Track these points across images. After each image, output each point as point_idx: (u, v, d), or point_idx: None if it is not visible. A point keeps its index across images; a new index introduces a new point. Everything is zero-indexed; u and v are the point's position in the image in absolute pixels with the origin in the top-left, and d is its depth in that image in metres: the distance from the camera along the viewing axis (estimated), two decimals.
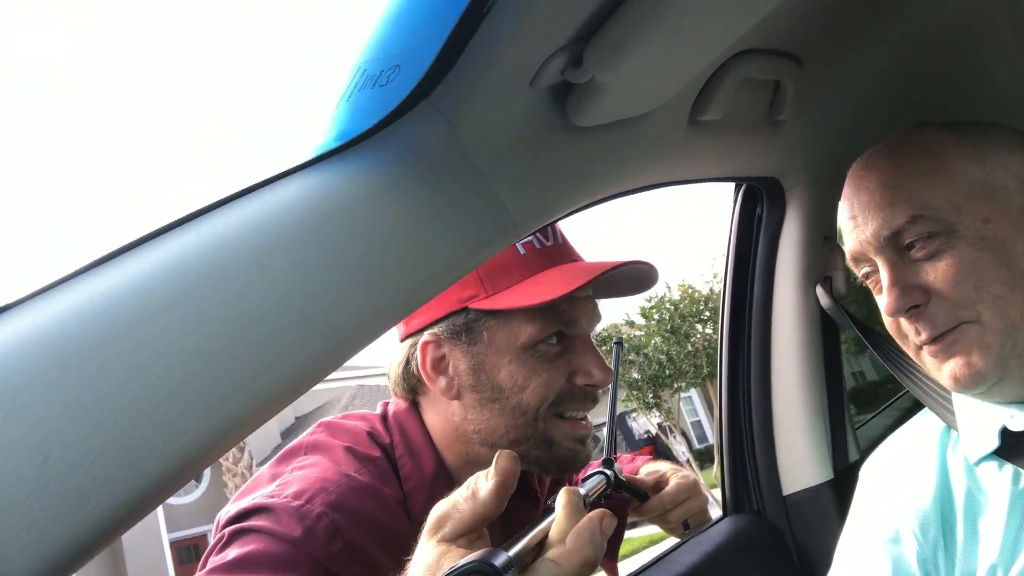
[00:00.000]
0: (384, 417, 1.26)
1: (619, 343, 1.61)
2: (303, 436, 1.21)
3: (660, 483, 1.48)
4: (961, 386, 0.96)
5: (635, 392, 13.99)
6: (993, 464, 1.00)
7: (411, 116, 0.76)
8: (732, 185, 1.65)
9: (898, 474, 1.11)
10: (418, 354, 1.20)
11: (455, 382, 1.19)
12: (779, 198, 1.57)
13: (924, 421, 1.16)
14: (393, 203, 0.74)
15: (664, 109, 1.03)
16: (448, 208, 0.78)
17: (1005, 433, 0.98)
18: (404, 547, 1.08)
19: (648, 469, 1.52)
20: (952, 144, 1.01)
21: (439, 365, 1.20)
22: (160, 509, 20.78)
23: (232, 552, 0.98)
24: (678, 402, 14.94)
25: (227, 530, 1.01)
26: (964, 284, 0.94)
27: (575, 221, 1.30)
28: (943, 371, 0.97)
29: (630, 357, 13.53)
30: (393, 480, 1.16)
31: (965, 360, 0.94)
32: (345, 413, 1.29)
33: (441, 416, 1.21)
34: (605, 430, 1.36)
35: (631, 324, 14.74)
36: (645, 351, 13.59)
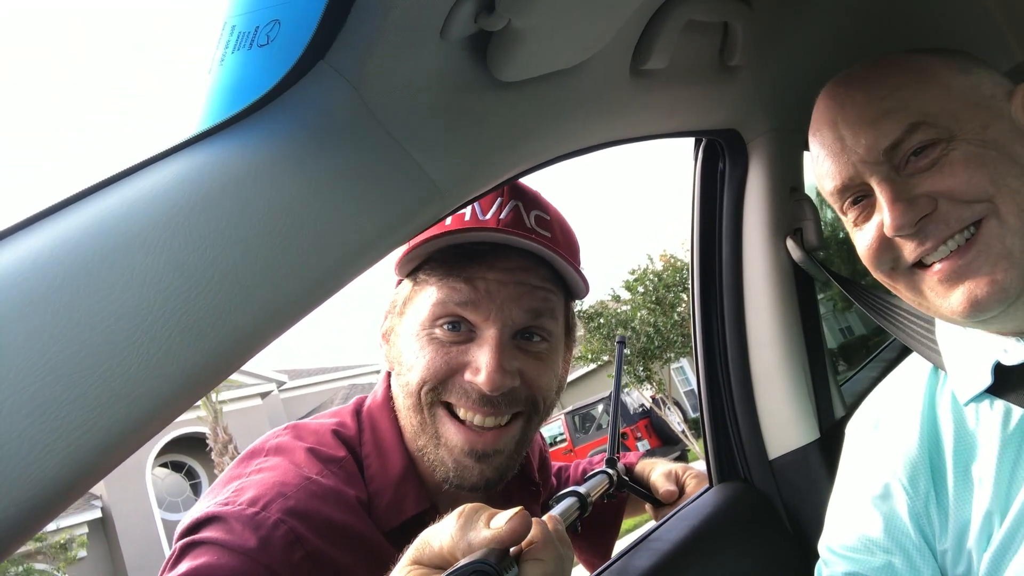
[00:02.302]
0: (357, 412, 1.19)
1: (622, 342, 1.54)
2: (268, 436, 1.14)
3: (666, 482, 1.44)
4: (978, 308, 0.86)
5: (625, 367, 13.99)
6: (984, 403, 0.95)
7: (307, 80, 0.68)
8: (693, 142, 1.58)
9: (884, 425, 1.06)
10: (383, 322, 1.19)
11: (390, 353, 1.16)
12: (740, 151, 1.50)
13: (910, 367, 1.11)
14: (295, 178, 0.65)
15: (601, 59, 0.95)
16: (360, 180, 0.70)
17: (998, 368, 0.92)
18: (373, 550, 1.01)
19: (661, 470, 1.47)
20: (934, 59, 0.95)
21: (388, 336, 1.17)
22: (160, 525, 20.70)
23: (183, 567, 0.90)
24: (669, 373, 14.96)
25: (179, 544, 0.94)
26: (979, 176, 0.86)
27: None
28: (955, 295, 0.87)
29: (618, 331, 13.51)
30: (359, 481, 1.09)
31: (988, 277, 0.85)
32: (316, 415, 1.23)
33: (396, 391, 1.17)
34: (601, 405, 1.29)
35: (617, 299, 14.71)
36: (632, 325, 13.58)
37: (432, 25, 0.71)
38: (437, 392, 1.06)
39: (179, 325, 0.55)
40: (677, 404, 15.31)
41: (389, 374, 1.20)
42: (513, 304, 1.07)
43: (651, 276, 13.89)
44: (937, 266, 0.89)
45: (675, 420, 14.62)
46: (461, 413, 1.07)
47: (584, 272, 1.15)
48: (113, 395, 0.51)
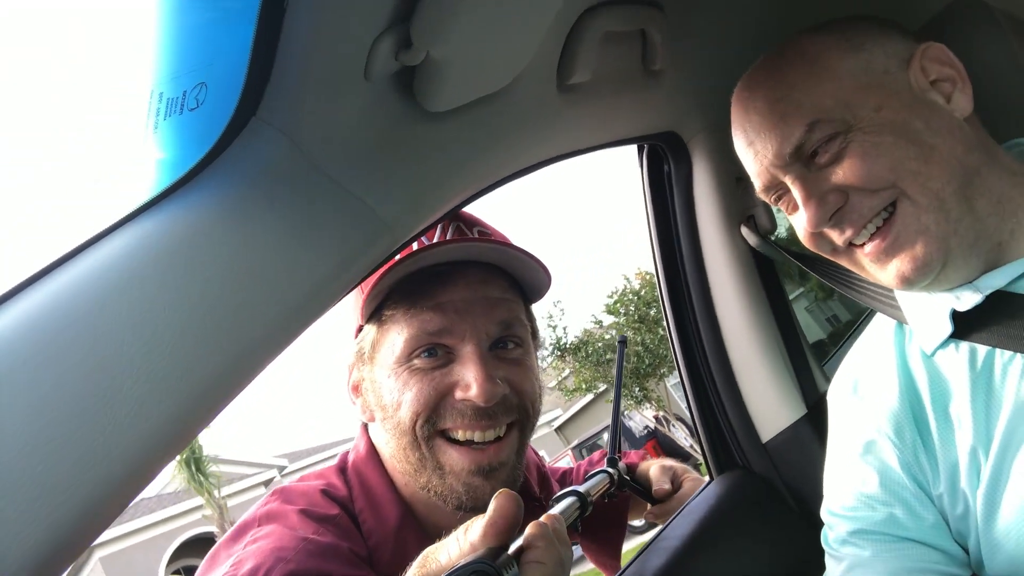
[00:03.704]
0: (343, 469, 1.18)
1: (623, 341, 1.56)
2: (256, 507, 1.13)
3: (662, 476, 1.44)
4: (909, 282, 0.93)
5: (622, 390, 13.85)
6: (950, 348, 0.98)
7: (243, 137, 0.71)
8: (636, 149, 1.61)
9: (862, 385, 1.09)
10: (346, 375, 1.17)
11: (367, 403, 1.14)
12: (682, 151, 1.54)
13: (876, 327, 1.14)
14: (244, 232, 0.68)
15: (527, 79, 0.99)
16: (308, 225, 0.72)
17: (955, 316, 0.96)
18: None
19: (659, 465, 1.48)
20: (826, 42, 1.00)
21: (359, 387, 1.16)
22: None
23: None
24: (666, 388, 14.94)
25: None
26: (877, 168, 0.91)
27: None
28: (888, 271, 0.94)
29: (607, 357, 13.49)
30: (356, 536, 1.08)
31: (910, 254, 0.92)
32: (302, 475, 1.22)
33: (378, 440, 1.16)
34: (607, 434, 1.29)
35: (599, 324, 14.72)
36: None
37: (354, 67, 0.74)
38: (432, 422, 1.06)
39: (147, 382, 0.56)
40: (680, 419, 15.25)
41: (366, 426, 1.20)
42: (484, 318, 1.09)
43: (630, 295, 13.95)
44: (867, 247, 0.95)
45: (681, 436, 14.55)
46: (459, 435, 1.07)
47: (545, 263, 1.16)
48: (91, 458, 0.52)
